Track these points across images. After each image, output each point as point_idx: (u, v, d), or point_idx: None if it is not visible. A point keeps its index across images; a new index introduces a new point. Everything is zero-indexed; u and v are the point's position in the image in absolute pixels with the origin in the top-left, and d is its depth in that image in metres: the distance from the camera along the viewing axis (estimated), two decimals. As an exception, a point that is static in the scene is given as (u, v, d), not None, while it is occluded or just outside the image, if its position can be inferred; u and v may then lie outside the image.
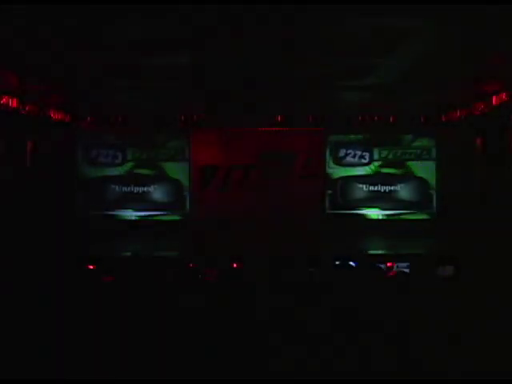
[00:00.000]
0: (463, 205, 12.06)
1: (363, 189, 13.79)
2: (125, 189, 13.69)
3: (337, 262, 9.16)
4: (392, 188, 13.72)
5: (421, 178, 13.68)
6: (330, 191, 13.77)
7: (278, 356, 4.06)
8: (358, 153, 13.75)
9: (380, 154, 13.69)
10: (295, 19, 6.42)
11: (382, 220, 13.54)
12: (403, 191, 13.72)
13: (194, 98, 11.57)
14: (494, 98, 10.66)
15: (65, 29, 6.70)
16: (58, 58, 8.05)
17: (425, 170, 13.64)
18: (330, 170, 13.79)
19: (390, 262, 10.72)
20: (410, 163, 13.69)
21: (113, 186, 13.67)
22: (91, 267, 10.36)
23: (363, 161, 13.75)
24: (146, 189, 13.73)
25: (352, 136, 13.71)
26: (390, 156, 13.64)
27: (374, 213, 13.67)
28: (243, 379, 3.83)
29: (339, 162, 13.81)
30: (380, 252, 11.61)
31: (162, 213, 13.66)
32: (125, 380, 3.84)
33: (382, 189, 13.70)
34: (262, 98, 11.46)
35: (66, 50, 7.66)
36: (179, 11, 6.06)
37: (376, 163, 13.77)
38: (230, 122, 13.32)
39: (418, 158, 13.60)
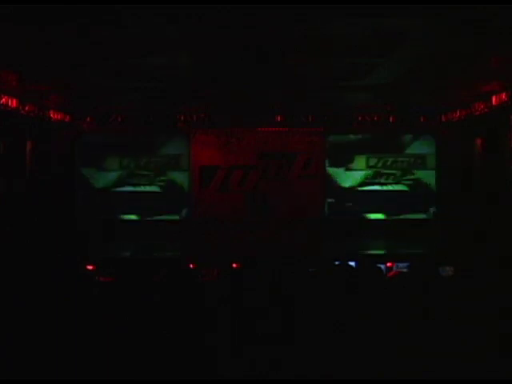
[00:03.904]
0: (463, 205, 12.06)
1: (363, 189, 13.78)
2: (124, 189, 13.68)
3: (337, 262, 9.16)
4: (392, 188, 13.71)
5: (420, 179, 13.68)
6: (329, 192, 13.76)
7: (278, 355, 4.05)
8: (358, 153, 13.74)
9: (379, 159, 13.71)
10: (295, 19, 6.42)
11: (381, 220, 13.53)
12: (403, 192, 13.71)
13: (194, 98, 11.57)
14: (493, 98, 10.66)
15: (65, 29, 6.69)
16: (58, 58, 8.05)
17: (424, 170, 13.64)
18: (329, 171, 13.78)
19: (390, 262, 10.73)
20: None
21: (112, 187, 13.66)
22: (91, 268, 10.37)
23: (363, 161, 13.74)
24: (145, 189, 13.72)
25: (352, 136, 13.71)
26: (389, 162, 13.67)
27: (374, 213, 13.66)
28: (242, 379, 3.83)
29: (339, 162, 13.80)
30: (380, 252, 11.61)
31: (162, 213, 13.65)
32: (125, 380, 3.84)
33: (382, 189, 13.70)
34: (262, 98, 11.45)
35: (66, 51, 7.66)
36: (179, 11, 6.06)
37: (376, 163, 13.77)
38: (229, 122, 13.33)
39: (417, 166, 13.63)
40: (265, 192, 13.55)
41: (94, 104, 12.31)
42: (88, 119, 13.37)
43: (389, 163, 13.67)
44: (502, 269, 7.81)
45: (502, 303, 4.74)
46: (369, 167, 13.72)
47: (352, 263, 9.42)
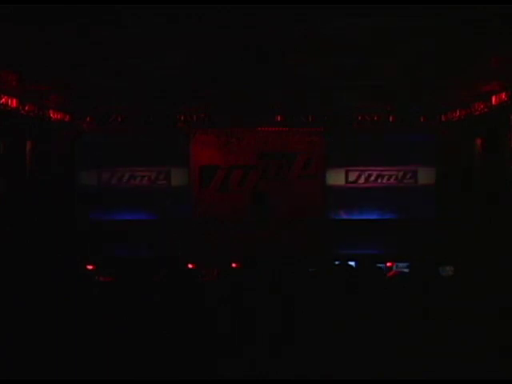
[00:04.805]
0: (463, 205, 12.06)
1: (363, 189, 13.78)
2: (125, 189, 13.68)
3: (337, 262, 9.17)
4: (392, 188, 13.71)
5: (421, 179, 13.69)
6: (329, 192, 13.76)
7: (278, 355, 4.05)
8: (358, 154, 13.74)
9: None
10: (295, 19, 6.42)
11: (381, 220, 13.53)
12: (403, 191, 13.71)
13: (194, 98, 11.57)
14: (493, 98, 10.66)
15: (65, 29, 6.70)
16: (58, 58, 8.05)
17: (425, 170, 13.64)
18: (329, 171, 13.77)
19: (390, 261, 10.72)
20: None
21: (112, 187, 13.66)
22: (91, 268, 10.37)
23: (363, 161, 13.74)
24: (145, 189, 13.72)
25: (351, 137, 13.70)
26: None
27: (373, 213, 13.66)
28: (242, 379, 3.83)
29: (339, 163, 13.80)
30: (380, 252, 11.60)
31: (161, 213, 13.64)
32: (125, 380, 3.84)
33: (382, 189, 13.69)
34: (262, 98, 11.45)
35: (66, 51, 7.66)
36: (179, 11, 6.06)
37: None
38: (229, 122, 13.33)
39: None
40: (265, 192, 13.55)
41: (94, 104, 12.31)
42: (88, 119, 13.37)
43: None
44: (501, 269, 7.80)
45: (501, 303, 4.75)
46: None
47: (352, 263, 9.41)
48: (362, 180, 13.76)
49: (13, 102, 10.60)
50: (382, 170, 13.71)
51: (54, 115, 12.42)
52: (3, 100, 10.28)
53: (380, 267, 9.52)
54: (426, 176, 13.62)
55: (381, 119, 13.36)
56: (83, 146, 13.59)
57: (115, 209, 13.57)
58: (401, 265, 10.61)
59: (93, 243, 12.29)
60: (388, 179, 13.73)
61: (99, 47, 7.55)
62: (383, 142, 13.45)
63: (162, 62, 8.39)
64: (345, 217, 13.59)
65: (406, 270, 9.70)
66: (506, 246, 9.60)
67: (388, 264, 10.76)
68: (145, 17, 6.28)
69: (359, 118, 13.39)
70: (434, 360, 3.94)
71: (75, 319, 4.40)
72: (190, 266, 10.71)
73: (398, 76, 9.34)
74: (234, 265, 10.56)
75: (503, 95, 10.30)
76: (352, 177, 13.78)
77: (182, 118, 13.41)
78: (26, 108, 11.13)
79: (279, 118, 13.39)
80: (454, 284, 6.13)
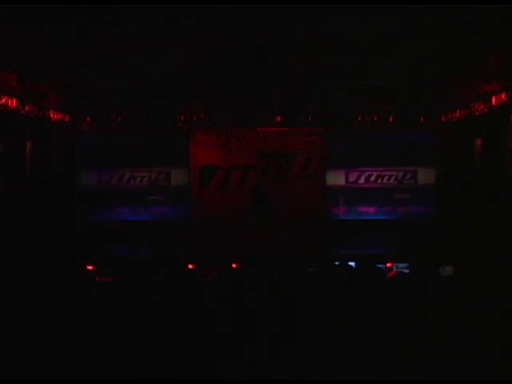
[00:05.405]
0: (463, 205, 12.06)
1: (363, 189, 13.78)
2: (124, 190, 13.68)
3: (337, 262, 9.16)
4: (392, 189, 13.71)
5: (421, 179, 13.69)
6: (329, 192, 13.77)
7: (278, 355, 4.06)
8: (358, 154, 13.74)
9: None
10: (295, 19, 6.42)
11: (381, 220, 13.53)
12: (403, 191, 13.72)
13: (194, 98, 11.57)
14: (493, 98, 10.66)
15: (65, 29, 6.69)
16: (58, 58, 8.05)
17: (425, 170, 13.65)
18: (329, 171, 13.77)
19: (390, 262, 10.71)
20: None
21: (112, 187, 13.66)
22: (91, 268, 10.37)
23: (363, 162, 13.75)
24: (145, 189, 13.72)
25: (351, 137, 13.71)
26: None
27: (373, 213, 13.66)
28: (242, 379, 3.83)
29: (339, 163, 13.80)
30: (380, 252, 11.59)
31: (162, 213, 13.65)
32: (125, 380, 3.84)
33: (382, 189, 13.70)
34: (262, 98, 11.45)
35: (66, 51, 7.66)
36: (179, 11, 6.06)
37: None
38: (229, 122, 13.34)
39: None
40: (265, 192, 13.55)
41: (94, 104, 12.31)
42: (88, 119, 13.38)
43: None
44: (501, 269, 7.80)
45: (502, 303, 4.75)
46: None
47: (352, 263, 9.41)
48: (362, 180, 13.79)
49: (13, 102, 10.60)
50: (382, 170, 13.72)
51: (54, 115, 12.43)
52: (3, 100, 10.28)
53: (380, 267, 9.50)
54: (426, 176, 13.65)
55: (381, 119, 13.38)
56: (83, 146, 13.59)
57: (115, 209, 13.58)
58: (401, 265, 10.60)
59: (93, 243, 12.28)
60: (388, 179, 13.75)
61: (99, 47, 7.55)
62: (383, 142, 13.46)
63: (162, 62, 8.39)
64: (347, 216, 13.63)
65: (406, 271, 9.69)
66: (506, 245, 9.59)
67: (388, 264, 10.76)
68: (145, 17, 6.28)
69: (359, 118, 13.40)
70: (434, 360, 3.94)
71: (75, 319, 4.40)
72: (190, 266, 10.71)
73: (398, 76, 9.34)
74: (234, 265, 10.56)
75: (503, 95, 10.30)
76: (352, 177, 13.80)
77: (182, 118, 13.42)
78: (26, 108, 11.14)
79: (279, 118, 13.40)
80: (454, 284, 6.14)
